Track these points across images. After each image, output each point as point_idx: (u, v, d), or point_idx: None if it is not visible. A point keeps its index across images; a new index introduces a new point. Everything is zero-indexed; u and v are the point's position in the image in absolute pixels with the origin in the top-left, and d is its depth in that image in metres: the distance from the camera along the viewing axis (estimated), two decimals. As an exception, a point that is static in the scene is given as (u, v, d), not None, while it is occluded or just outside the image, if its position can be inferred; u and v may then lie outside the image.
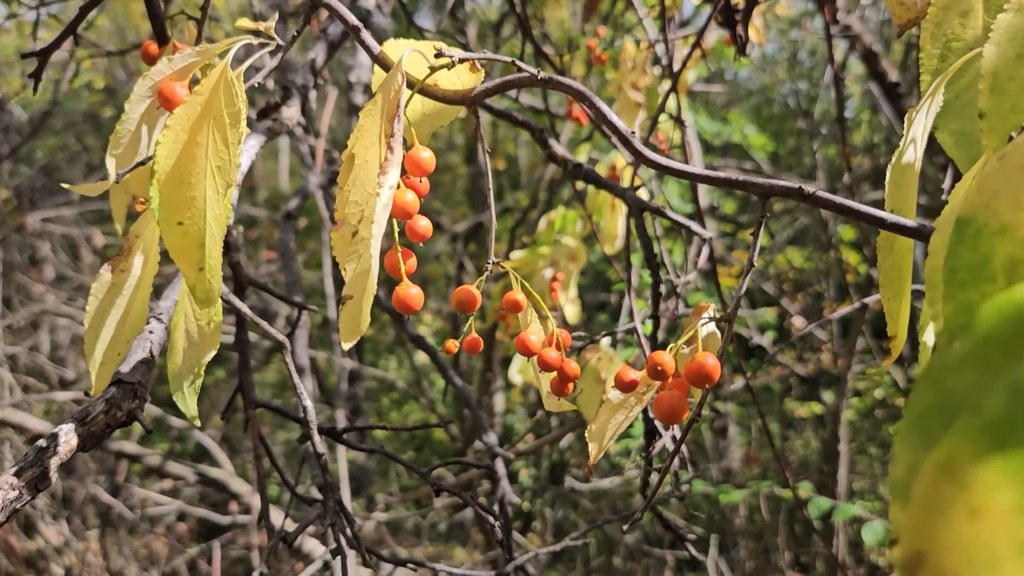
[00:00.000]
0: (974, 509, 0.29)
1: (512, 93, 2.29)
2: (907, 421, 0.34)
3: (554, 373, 0.78)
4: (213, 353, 0.81)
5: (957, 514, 0.29)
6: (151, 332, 0.85)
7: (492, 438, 1.67)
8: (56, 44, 0.96)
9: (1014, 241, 0.50)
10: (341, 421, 3.84)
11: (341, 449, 3.74)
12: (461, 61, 0.74)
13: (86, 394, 0.81)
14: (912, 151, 0.69)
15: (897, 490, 0.34)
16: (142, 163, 0.80)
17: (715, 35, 2.38)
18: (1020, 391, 0.30)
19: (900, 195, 0.69)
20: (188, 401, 0.80)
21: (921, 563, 0.30)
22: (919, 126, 0.71)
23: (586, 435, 0.72)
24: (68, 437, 0.77)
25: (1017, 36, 0.66)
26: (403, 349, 5.80)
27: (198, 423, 0.83)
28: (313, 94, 1.33)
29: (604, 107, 0.74)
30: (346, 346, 0.66)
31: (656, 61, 2.18)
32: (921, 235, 0.65)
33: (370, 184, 0.66)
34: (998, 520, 0.28)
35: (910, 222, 0.65)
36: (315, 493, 1.58)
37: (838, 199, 0.67)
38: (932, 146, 0.75)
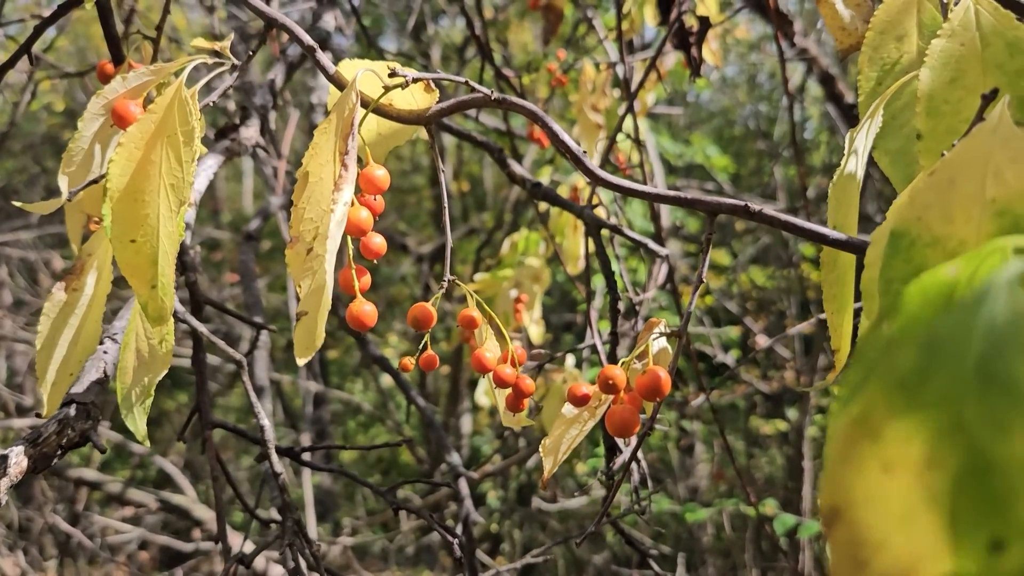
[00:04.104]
0: (887, 462, 0.29)
1: (472, 114, 2.31)
2: (838, 401, 0.34)
3: (509, 389, 0.78)
4: (163, 373, 0.80)
5: (871, 468, 0.29)
6: (105, 352, 0.84)
7: (455, 458, 1.67)
8: (10, 63, 0.95)
9: (945, 252, 0.52)
10: (305, 444, 3.79)
11: (306, 473, 3.69)
12: (415, 81, 0.75)
13: (37, 415, 0.80)
14: (852, 168, 0.71)
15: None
16: (94, 181, 0.79)
17: (674, 57, 2.43)
18: (933, 346, 0.30)
19: (842, 212, 0.71)
20: (138, 421, 0.79)
21: (837, 517, 0.30)
22: (860, 146, 0.73)
23: (540, 450, 0.72)
24: (18, 459, 0.76)
25: (950, 61, 0.69)
26: (369, 371, 5.76)
27: (147, 443, 0.82)
28: (273, 115, 1.34)
29: (556, 127, 0.75)
30: (301, 361, 0.66)
31: (616, 83, 2.21)
32: (862, 250, 0.67)
33: (324, 201, 0.67)
34: (910, 473, 0.28)
35: (851, 237, 0.66)
36: (276, 515, 1.57)
37: (782, 216, 0.68)
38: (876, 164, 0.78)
